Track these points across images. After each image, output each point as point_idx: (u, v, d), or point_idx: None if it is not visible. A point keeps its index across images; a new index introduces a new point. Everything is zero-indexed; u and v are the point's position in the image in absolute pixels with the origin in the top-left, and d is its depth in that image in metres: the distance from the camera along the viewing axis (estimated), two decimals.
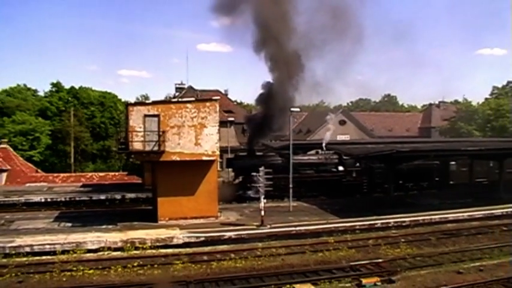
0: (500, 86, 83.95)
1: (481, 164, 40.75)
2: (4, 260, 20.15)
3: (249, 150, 34.94)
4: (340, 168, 36.14)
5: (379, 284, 17.29)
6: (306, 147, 41.95)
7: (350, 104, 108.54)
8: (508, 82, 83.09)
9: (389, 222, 26.85)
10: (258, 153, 35.60)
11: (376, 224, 26.60)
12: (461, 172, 40.33)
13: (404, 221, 27.23)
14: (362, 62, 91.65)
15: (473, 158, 39.26)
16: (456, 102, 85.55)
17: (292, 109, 28.89)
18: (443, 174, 39.49)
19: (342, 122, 67.70)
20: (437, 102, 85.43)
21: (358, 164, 36.63)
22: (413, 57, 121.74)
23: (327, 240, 24.15)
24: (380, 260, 20.26)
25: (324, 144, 37.11)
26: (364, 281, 17.34)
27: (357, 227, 25.99)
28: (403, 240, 24.31)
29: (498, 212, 29.87)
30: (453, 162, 39.62)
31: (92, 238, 22.41)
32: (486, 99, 78.98)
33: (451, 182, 39.33)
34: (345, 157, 36.17)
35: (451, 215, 28.84)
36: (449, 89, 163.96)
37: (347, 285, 17.48)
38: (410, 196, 35.91)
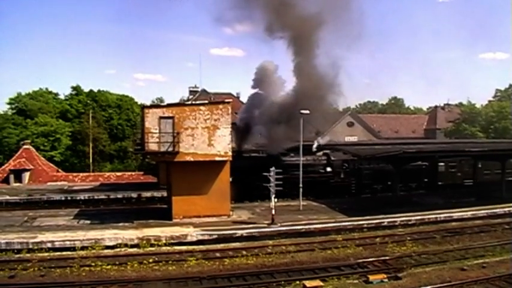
0: (503, 88, 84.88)
1: (469, 165, 40.15)
2: (28, 255, 21.14)
3: (237, 152, 34.55)
4: (328, 169, 35.94)
5: (385, 280, 17.61)
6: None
7: (358, 106, 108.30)
8: (510, 85, 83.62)
9: (395, 221, 27.27)
10: (245, 155, 35.83)
11: (383, 222, 27.02)
12: (449, 173, 39.83)
13: (410, 220, 27.64)
14: (368, 66, 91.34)
15: (476, 159, 39.10)
16: (460, 104, 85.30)
17: (301, 111, 29.33)
18: (431, 175, 39.19)
19: (350, 124, 67.82)
20: (442, 105, 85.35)
21: (346, 165, 36.48)
22: (417, 60, 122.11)
23: (335, 238, 24.64)
24: (387, 258, 20.64)
25: (314, 146, 37.26)
26: (371, 277, 17.69)
27: (365, 226, 26.47)
28: (409, 238, 24.65)
29: (500, 211, 30.10)
30: (442, 163, 39.09)
31: (110, 235, 23.21)
32: (489, 101, 79.49)
33: (440, 183, 38.90)
34: (333, 158, 36.05)
35: (456, 213, 29.18)
36: (454, 92, 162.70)
37: (355, 281, 17.84)
38: (415, 195, 36.12)
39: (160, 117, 25.89)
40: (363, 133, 67.38)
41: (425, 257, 21.22)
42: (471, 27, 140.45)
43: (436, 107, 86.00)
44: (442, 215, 28.79)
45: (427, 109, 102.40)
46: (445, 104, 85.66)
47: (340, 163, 36.33)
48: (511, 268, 18.38)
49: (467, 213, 29.45)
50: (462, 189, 38.08)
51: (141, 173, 50.17)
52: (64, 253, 21.65)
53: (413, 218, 27.87)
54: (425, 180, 38.97)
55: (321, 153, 37.30)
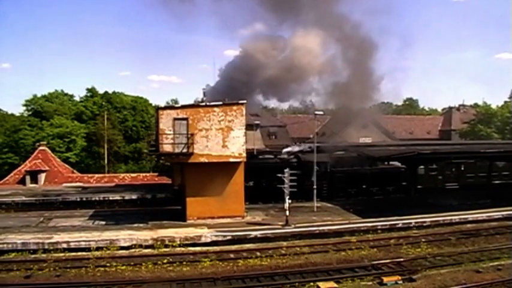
0: None
1: (451, 168, 39.32)
2: (43, 255, 21.42)
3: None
4: (298, 172, 33.18)
5: (400, 282, 17.53)
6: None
7: (372, 107, 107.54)
8: None
9: (410, 223, 27.05)
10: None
11: (398, 224, 26.83)
12: (430, 176, 38.79)
13: (425, 222, 27.38)
14: (382, 68, 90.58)
15: (491, 160, 38.41)
16: (476, 105, 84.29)
17: (316, 112, 29.22)
18: (410, 179, 37.34)
19: (364, 125, 67.15)
20: (457, 106, 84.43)
21: (317, 168, 34.08)
22: (433, 61, 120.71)
23: (350, 239, 24.52)
24: (401, 259, 20.50)
25: (285, 150, 36.82)
26: (385, 279, 17.61)
27: (379, 227, 26.28)
28: (423, 240, 24.48)
29: None
30: (421, 166, 37.77)
31: (124, 236, 23.38)
32: (505, 102, 78.06)
33: (419, 187, 37.12)
34: (303, 160, 34.72)
35: (471, 215, 28.82)
36: (469, 93, 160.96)
37: (369, 283, 17.77)
38: (430, 197, 35.53)
39: (175, 119, 25.98)
40: (378, 134, 66.72)
41: (440, 259, 21.02)
42: (487, 27, 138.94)
43: (451, 108, 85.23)
44: (457, 217, 28.48)
45: (442, 110, 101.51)
46: (460, 105, 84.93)
47: (312, 166, 33.91)
48: None
49: (482, 215, 29.02)
50: (478, 192, 37.11)
51: (156, 174, 50.26)
52: (79, 253, 21.86)
53: (428, 219, 27.59)
54: (404, 183, 37.37)
55: (292, 155, 36.12)
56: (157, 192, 37.33)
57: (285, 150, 37.37)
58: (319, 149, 33.52)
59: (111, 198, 35.89)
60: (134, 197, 36.49)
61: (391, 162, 37.32)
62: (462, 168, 39.57)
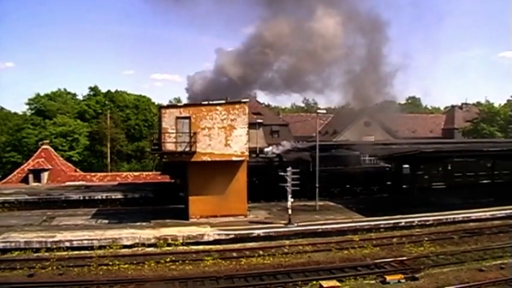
0: None
1: (437, 167, 38.74)
2: (46, 254, 21.43)
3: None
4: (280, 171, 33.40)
5: (402, 281, 17.47)
6: (330, 147, 41.06)
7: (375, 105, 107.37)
8: None
9: (413, 221, 26.95)
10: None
11: (400, 222, 26.72)
12: (415, 176, 37.16)
13: (427, 220, 27.27)
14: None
15: (495, 159, 38.20)
16: (478, 104, 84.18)
17: (318, 111, 29.16)
18: (395, 178, 37.45)
19: (367, 124, 67.02)
20: (460, 104, 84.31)
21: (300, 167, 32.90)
22: (436, 59, 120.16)
23: (352, 238, 24.45)
24: (404, 258, 20.39)
25: (267, 150, 36.68)
26: (388, 278, 17.57)
27: (382, 226, 26.21)
28: (426, 238, 24.39)
29: None
30: (406, 166, 36.87)
31: (127, 234, 23.34)
32: (508, 100, 78.18)
33: (404, 186, 36.88)
34: (285, 160, 33.86)
35: (474, 214, 28.69)
36: (472, 91, 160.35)
37: (371, 282, 17.72)
38: (434, 195, 35.42)
39: (177, 117, 25.95)
40: (380, 133, 66.63)
41: (443, 257, 20.95)
42: (491, 25, 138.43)
43: (453, 106, 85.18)
44: (459, 215, 28.33)
45: (445, 109, 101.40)
46: (462, 104, 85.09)
47: (294, 165, 33.37)
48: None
49: (485, 213, 28.90)
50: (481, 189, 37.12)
51: (159, 173, 50.33)
52: (82, 252, 21.88)
53: (431, 218, 27.48)
54: (388, 183, 37.23)
55: (274, 155, 35.78)
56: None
57: (266, 149, 37.18)
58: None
59: (113, 197, 35.83)
60: (137, 195, 36.33)
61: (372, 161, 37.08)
62: (449, 168, 38.89)
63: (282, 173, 26.27)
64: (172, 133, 25.82)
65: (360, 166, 36.60)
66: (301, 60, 34.96)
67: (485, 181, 39.62)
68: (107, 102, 69.13)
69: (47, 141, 51.50)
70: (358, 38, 38.16)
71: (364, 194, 35.88)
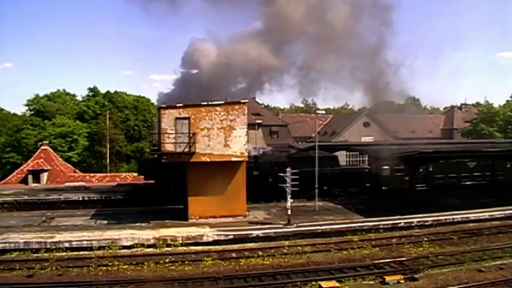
0: None
1: (418, 168, 37.68)
2: (46, 254, 21.43)
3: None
4: (255, 173, 33.00)
5: (402, 281, 17.52)
6: (330, 148, 40.79)
7: (374, 106, 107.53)
8: None
9: (412, 222, 27.02)
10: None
11: (400, 223, 26.77)
12: (395, 177, 37.02)
13: (427, 221, 27.33)
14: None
15: (494, 159, 38.17)
16: (478, 104, 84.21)
17: (318, 112, 29.17)
18: (375, 180, 36.99)
19: (366, 124, 67.14)
20: (459, 105, 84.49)
21: (275, 169, 32.17)
22: (435, 60, 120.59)
23: (351, 238, 24.51)
24: (403, 259, 20.46)
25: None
26: (387, 278, 17.61)
27: (381, 226, 26.26)
28: (425, 239, 24.46)
29: None
30: (386, 167, 36.60)
31: (126, 235, 23.35)
32: (507, 101, 77.82)
33: (384, 188, 36.53)
34: (260, 161, 33.89)
35: (473, 214, 28.74)
36: (471, 92, 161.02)
37: (371, 282, 17.77)
38: (433, 196, 35.47)
39: (176, 118, 25.93)
40: (379, 133, 66.77)
41: (442, 258, 21.02)
42: (490, 25, 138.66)
43: (453, 106, 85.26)
44: (459, 216, 28.41)
45: (444, 109, 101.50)
46: (462, 104, 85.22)
47: (269, 166, 33.40)
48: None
49: (484, 214, 28.96)
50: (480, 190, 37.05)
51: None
52: (81, 253, 21.88)
53: (430, 218, 27.55)
54: (368, 185, 36.81)
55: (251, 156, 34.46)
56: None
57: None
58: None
59: (112, 198, 35.71)
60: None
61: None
62: (430, 169, 38.29)
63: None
64: (171, 134, 25.80)
65: (338, 167, 36.29)
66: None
67: (468, 182, 39.13)
68: (106, 102, 69.19)
69: (46, 142, 51.44)
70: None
71: (342, 196, 35.15)
